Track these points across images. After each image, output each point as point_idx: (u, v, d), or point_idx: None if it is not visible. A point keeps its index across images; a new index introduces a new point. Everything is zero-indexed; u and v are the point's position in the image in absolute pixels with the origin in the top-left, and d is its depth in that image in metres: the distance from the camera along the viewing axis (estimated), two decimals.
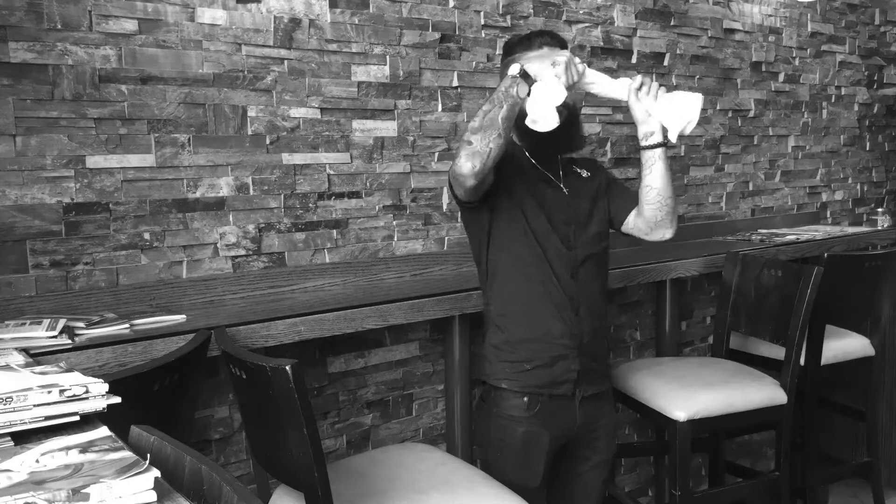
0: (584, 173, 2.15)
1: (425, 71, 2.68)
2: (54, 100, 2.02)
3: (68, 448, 0.92)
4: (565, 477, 2.14)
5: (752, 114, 3.83)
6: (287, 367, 1.43)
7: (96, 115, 2.08)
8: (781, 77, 3.96)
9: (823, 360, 2.78)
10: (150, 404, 1.64)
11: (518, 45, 2.07)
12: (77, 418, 1.02)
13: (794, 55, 4.00)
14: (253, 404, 1.68)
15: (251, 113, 2.33)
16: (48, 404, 1.00)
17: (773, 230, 3.76)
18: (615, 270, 2.69)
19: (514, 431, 1.99)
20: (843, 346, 2.92)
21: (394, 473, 1.83)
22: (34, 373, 1.16)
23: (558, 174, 2.08)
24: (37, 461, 0.88)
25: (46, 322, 1.82)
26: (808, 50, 4.07)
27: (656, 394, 2.39)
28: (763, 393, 2.41)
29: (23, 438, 0.97)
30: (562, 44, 2.06)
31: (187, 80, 2.22)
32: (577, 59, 1.91)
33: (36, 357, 1.59)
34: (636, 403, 2.49)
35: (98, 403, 1.03)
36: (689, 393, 2.35)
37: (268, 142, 2.37)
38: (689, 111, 1.92)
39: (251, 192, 2.35)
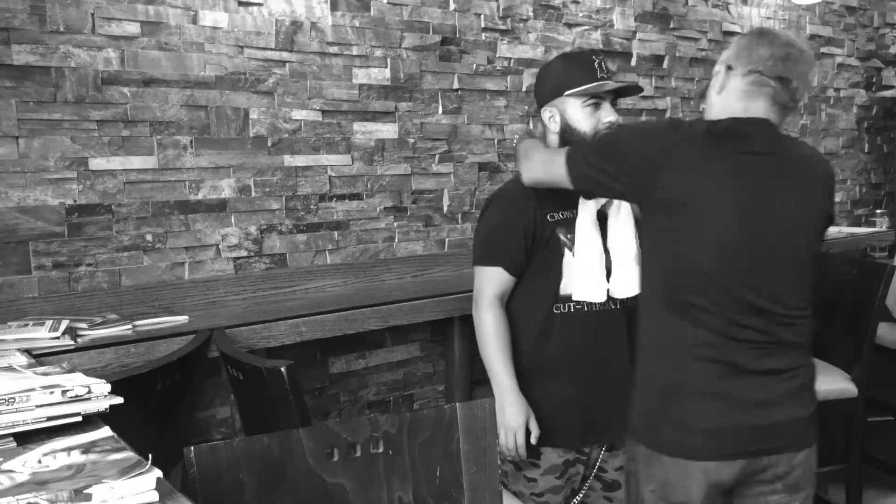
0: None
1: (426, 73, 2.69)
2: (57, 102, 2.04)
3: (70, 448, 0.92)
4: None
5: None
6: (282, 369, 1.44)
7: (99, 118, 2.09)
8: None
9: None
10: (152, 404, 1.65)
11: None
12: (79, 419, 1.02)
13: None
14: (251, 405, 1.69)
15: (253, 115, 2.34)
16: (51, 405, 1.00)
17: None
18: None
19: None
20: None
21: None
22: (37, 373, 1.17)
23: None
24: (39, 461, 0.88)
25: (49, 323, 1.83)
26: None
27: None
28: (833, 385, 2.47)
29: (25, 439, 0.97)
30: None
31: (189, 83, 2.23)
32: None
33: (39, 358, 1.60)
34: None
35: (100, 404, 1.03)
36: None
37: (269, 144, 2.38)
38: None
39: (253, 193, 2.36)
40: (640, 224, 1.69)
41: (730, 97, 1.51)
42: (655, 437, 1.50)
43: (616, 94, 1.87)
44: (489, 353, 1.81)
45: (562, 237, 1.82)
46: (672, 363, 1.49)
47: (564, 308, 1.82)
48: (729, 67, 1.52)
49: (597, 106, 1.82)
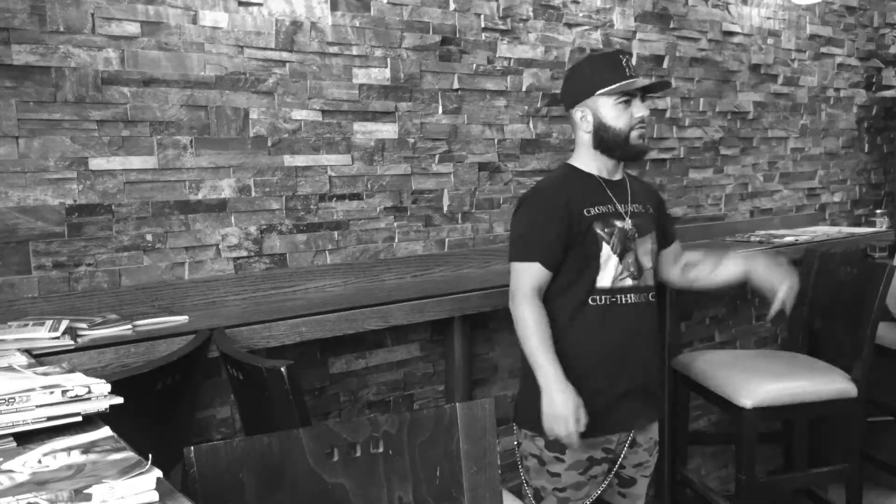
0: None
1: (426, 73, 2.69)
2: (57, 102, 2.04)
3: (70, 448, 0.92)
4: None
5: (751, 116, 3.84)
6: (282, 369, 1.44)
7: (99, 118, 2.09)
8: (780, 79, 3.96)
9: None
10: (152, 404, 1.66)
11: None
12: (79, 419, 1.02)
13: (792, 57, 4.01)
14: (251, 405, 1.69)
15: (253, 115, 2.34)
16: (50, 405, 1.00)
17: (772, 231, 3.76)
18: None
19: None
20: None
21: None
22: (37, 373, 1.17)
23: None
24: (39, 462, 0.88)
25: (49, 323, 1.83)
26: (807, 52, 4.08)
27: (724, 382, 2.50)
28: (833, 385, 2.49)
29: (25, 439, 0.97)
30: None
31: (189, 83, 2.23)
32: None
33: (39, 358, 1.60)
34: (704, 390, 2.61)
35: (100, 404, 1.04)
36: (757, 382, 2.45)
37: (269, 144, 2.38)
38: None
39: (253, 193, 2.36)
40: None
41: None
42: None
43: (645, 91, 1.91)
44: (532, 347, 1.81)
45: (598, 231, 1.86)
46: None
47: (601, 300, 1.84)
48: None
49: (628, 103, 1.88)
